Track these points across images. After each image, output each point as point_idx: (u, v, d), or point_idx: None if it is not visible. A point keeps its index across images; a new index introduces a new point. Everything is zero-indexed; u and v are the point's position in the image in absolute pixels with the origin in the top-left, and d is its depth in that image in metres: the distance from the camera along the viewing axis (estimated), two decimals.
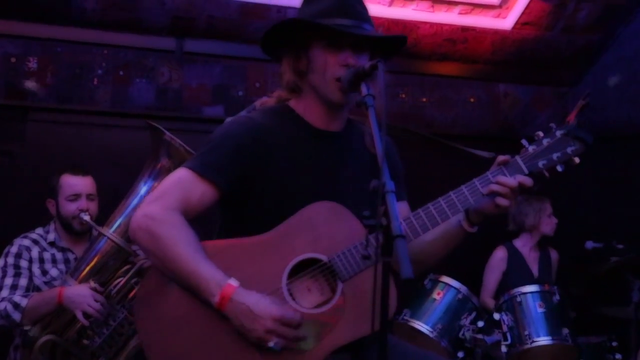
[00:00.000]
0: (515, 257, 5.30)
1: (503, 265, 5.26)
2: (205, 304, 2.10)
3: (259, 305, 2.05)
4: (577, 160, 2.21)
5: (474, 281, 5.09)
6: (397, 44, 2.40)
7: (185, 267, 2.10)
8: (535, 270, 5.28)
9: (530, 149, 2.23)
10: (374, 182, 1.74)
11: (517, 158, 2.22)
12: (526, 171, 2.21)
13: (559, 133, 2.22)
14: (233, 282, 2.08)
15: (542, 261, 5.35)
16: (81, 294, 3.45)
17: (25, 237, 3.84)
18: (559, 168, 2.22)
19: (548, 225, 5.27)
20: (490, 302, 5.00)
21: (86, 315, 3.44)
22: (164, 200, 2.19)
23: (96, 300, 3.44)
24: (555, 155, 2.21)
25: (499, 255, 5.30)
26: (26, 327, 3.55)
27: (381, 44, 2.35)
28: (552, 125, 2.25)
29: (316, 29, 2.25)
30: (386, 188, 1.72)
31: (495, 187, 2.18)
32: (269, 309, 2.04)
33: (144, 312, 2.21)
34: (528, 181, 2.19)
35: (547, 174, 2.23)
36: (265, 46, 2.42)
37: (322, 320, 2.14)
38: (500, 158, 2.24)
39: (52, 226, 3.91)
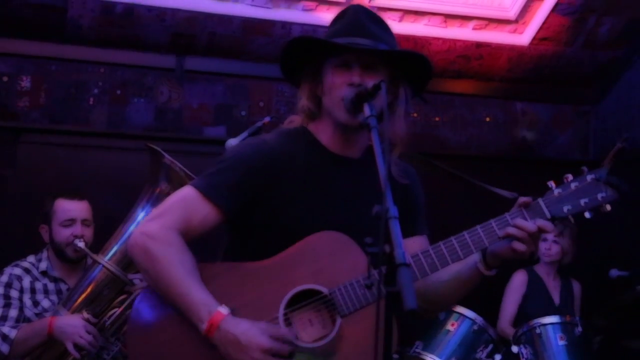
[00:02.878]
0: (535, 282, 5.24)
1: (523, 289, 5.20)
2: (194, 328, 2.11)
3: (247, 335, 2.04)
4: (608, 207, 2.15)
5: (490, 311, 5.03)
6: (422, 72, 2.35)
7: (176, 289, 2.12)
8: (556, 298, 5.22)
9: (556, 192, 2.17)
10: (377, 208, 1.72)
11: (540, 201, 2.17)
12: (548, 216, 2.15)
13: (589, 177, 2.15)
14: (222, 310, 2.08)
15: (563, 290, 5.28)
16: (72, 325, 3.42)
17: (17, 265, 3.81)
18: (587, 214, 2.16)
19: (540, 249, 5.18)
20: (509, 330, 4.93)
21: (78, 347, 3.43)
22: (164, 219, 2.21)
23: (88, 332, 3.40)
24: (582, 201, 2.14)
25: (519, 278, 5.24)
26: None
27: (402, 69, 2.32)
28: (584, 168, 2.19)
29: (325, 47, 2.27)
30: (389, 214, 1.70)
31: (512, 231, 2.14)
32: (258, 340, 2.04)
33: (135, 333, 2.24)
34: (549, 226, 2.14)
35: (572, 220, 2.17)
36: (285, 71, 2.42)
37: (315, 356, 2.12)
38: (522, 200, 2.18)
39: (44, 254, 3.89)
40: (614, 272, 4.88)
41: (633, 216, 5.68)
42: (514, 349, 4.35)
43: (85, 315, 3.46)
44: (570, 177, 2.18)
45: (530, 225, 2.13)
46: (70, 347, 3.41)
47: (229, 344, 2.06)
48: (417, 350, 4.48)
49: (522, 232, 2.12)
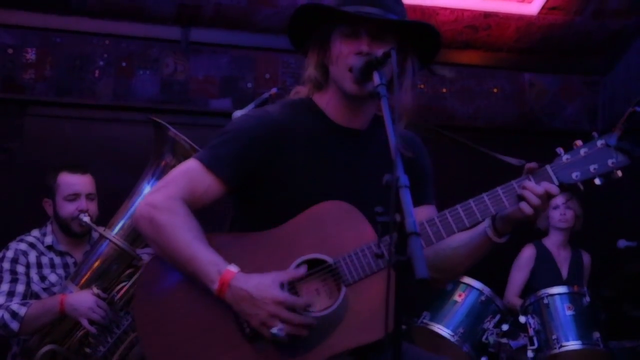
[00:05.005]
0: (544, 256, 5.27)
1: (531, 264, 5.24)
2: (205, 291, 2.13)
3: (260, 288, 2.06)
4: (619, 173, 2.12)
5: (497, 282, 5.04)
6: (431, 41, 2.33)
7: (185, 253, 2.15)
8: (565, 271, 5.25)
9: (564, 158, 2.14)
10: (387, 177, 1.71)
11: (548, 167, 2.15)
12: (556, 182, 2.13)
13: (600, 143, 2.12)
14: (232, 268, 2.11)
15: (573, 262, 5.31)
16: (84, 301, 3.43)
17: (22, 240, 3.82)
18: (597, 181, 2.12)
19: (554, 218, 5.22)
20: (516, 302, 4.96)
21: (91, 322, 3.45)
22: (168, 189, 2.24)
23: (99, 307, 3.43)
24: (592, 167, 2.11)
25: (527, 253, 5.28)
26: (24, 337, 3.57)
27: (411, 39, 2.31)
28: (595, 134, 2.15)
29: (334, 15, 2.26)
30: (400, 182, 1.70)
31: (519, 191, 2.14)
32: (271, 292, 2.06)
33: (142, 300, 2.27)
34: (554, 189, 2.11)
35: (581, 187, 2.14)
36: (292, 39, 2.42)
37: (319, 324, 2.12)
38: (529, 166, 2.17)
39: (48, 228, 3.90)
40: (622, 243, 4.88)
41: None
42: (522, 319, 4.36)
43: (95, 290, 3.48)
44: (579, 142, 2.16)
45: (536, 187, 2.11)
46: (85, 323, 3.42)
47: (242, 300, 2.07)
48: (425, 320, 4.50)
49: (529, 193, 2.11)
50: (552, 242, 5.31)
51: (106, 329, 3.50)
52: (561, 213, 5.18)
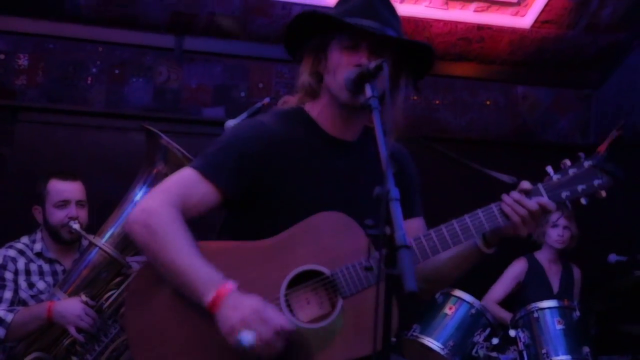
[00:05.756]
0: (535, 269, 5.26)
1: (521, 277, 5.23)
2: (194, 305, 2.10)
3: (252, 309, 2.01)
4: (603, 194, 2.20)
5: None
6: (425, 59, 2.36)
7: (179, 261, 2.12)
8: (555, 285, 5.24)
9: (555, 177, 2.22)
10: (378, 189, 1.72)
11: (540, 186, 2.22)
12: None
13: (587, 164, 2.21)
14: (230, 284, 2.07)
15: (564, 277, 5.30)
16: (72, 308, 3.41)
17: (11, 246, 3.79)
18: (583, 200, 2.21)
19: (551, 237, 5.22)
20: (494, 309, 4.95)
21: (79, 330, 3.43)
22: (163, 196, 2.22)
23: (87, 315, 3.40)
24: (580, 187, 2.20)
25: (519, 266, 5.27)
26: (10, 344, 3.55)
27: (406, 57, 2.33)
28: (581, 154, 2.23)
29: (333, 26, 2.27)
30: (390, 195, 1.71)
31: (510, 209, 2.19)
32: (263, 314, 2.01)
33: (132, 309, 2.24)
34: (550, 205, 2.19)
35: (569, 205, 2.22)
36: (287, 45, 2.43)
37: (316, 336, 2.12)
38: (523, 185, 2.22)
39: (38, 235, 3.87)
40: (613, 257, 4.89)
41: (632, 201, 5.71)
42: (512, 333, 4.36)
43: (84, 298, 3.45)
44: (568, 162, 2.23)
45: (531, 203, 2.17)
46: (73, 331, 3.40)
47: (232, 317, 2.02)
48: (415, 333, 4.49)
49: (523, 210, 2.17)
50: (545, 256, 5.31)
51: (94, 337, 3.48)
52: (559, 234, 5.17)
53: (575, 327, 4.35)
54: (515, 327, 4.41)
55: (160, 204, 2.20)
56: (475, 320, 4.50)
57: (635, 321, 4.76)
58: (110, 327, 3.51)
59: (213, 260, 2.14)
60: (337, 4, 2.37)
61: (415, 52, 2.33)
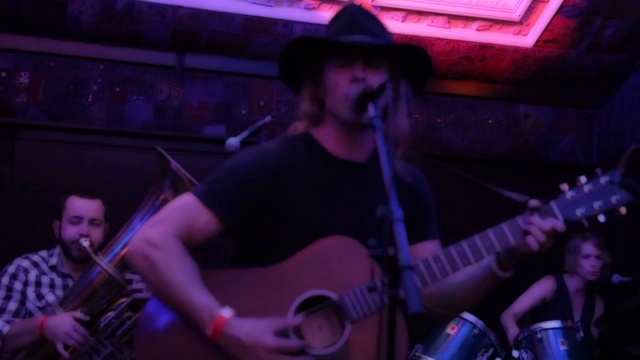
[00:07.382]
0: (562, 292, 5.09)
1: (548, 295, 5.06)
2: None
3: (252, 336, 2.04)
4: (623, 210, 2.11)
5: (491, 315, 5.01)
6: (422, 67, 2.35)
7: (178, 295, 2.12)
8: (577, 314, 5.10)
9: (569, 195, 2.13)
10: (381, 209, 1.71)
11: (553, 204, 2.14)
12: (561, 219, 2.12)
13: (603, 180, 2.11)
14: (225, 314, 2.08)
15: (586, 308, 5.14)
16: (61, 324, 3.37)
17: (26, 257, 3.81)
18: (601, 218, 2.12)
19: (584, 267, 4.99)
20: (508, 324, 4.88)
21: (67, 347, 3.39)
22: (163, 225, 2.21)
23: (77, 332, 3.36)
24: (597, 204, 2.11)
25: (548, 284, 5.09)
26: (6, 356, 3.53)
27: (402, 64, 2.33)
28: (598, 170, 2.14)
29: (325, 49, 2.27)
30: (394, 215, 1.69)
31: (525, 227, 2.12)
32: (264, 340, 2.03)
33: (145, 337, 2.23)
34: (560, 226, 2.10)
35: (586, 223, 2.14)
36: (284, 77, 2.43)
37: None
38: (533, 203, 2.14)
39: (56, 249, 3.88)
40: (617, 278, 4.87)
41: (636, 222, 5.67)
42: (515, 353, 4.35)
43: (78, 315, 3.42)
44: (583, 179, 2.15)
45: (543, 222, 2.10)
46: (60, 348, 3.37)
47: (235, 347, 2.06)
48: (417, 353, 4.48)
49: (535, 229, 2.10)
50: (574, 285, 5.11)
51: (82, 356, 3.45)
52: (592, 264, 4.96)
53: (579, 348, 4.33)
54: (518, 348, 4.40)
55: (160, 234, 2.19)
56: (478, 341, 4.48)
57: (638, 342, 4.73)
58: (103, 347, 3.46)
59: (221, 289, 2.15)
60: (328, 26, 2.38)
61: (413, 60, 2.33)
